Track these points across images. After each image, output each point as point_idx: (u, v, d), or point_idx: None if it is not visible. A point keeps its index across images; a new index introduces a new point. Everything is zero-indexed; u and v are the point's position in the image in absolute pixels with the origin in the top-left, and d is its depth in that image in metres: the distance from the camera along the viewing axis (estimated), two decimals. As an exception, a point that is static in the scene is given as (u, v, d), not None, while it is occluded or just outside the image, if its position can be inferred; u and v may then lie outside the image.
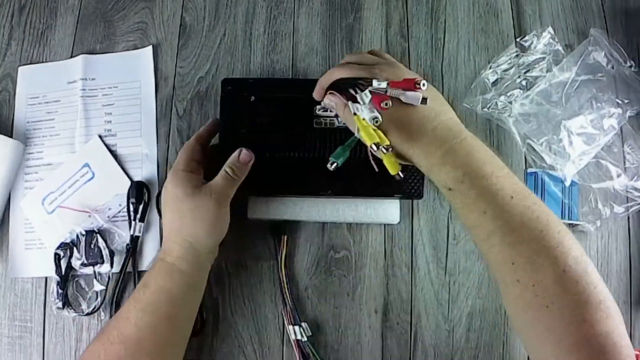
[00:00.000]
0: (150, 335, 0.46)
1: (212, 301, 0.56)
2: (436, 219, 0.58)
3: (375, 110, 0.42)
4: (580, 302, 0.36)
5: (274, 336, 0.55)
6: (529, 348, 0.41)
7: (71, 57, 0.63)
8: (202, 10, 0.64)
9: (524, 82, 0.61)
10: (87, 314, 0.56)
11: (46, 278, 0.58)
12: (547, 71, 0.61)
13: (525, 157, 0.60)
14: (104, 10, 0.64)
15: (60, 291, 0.55)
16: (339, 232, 0.57)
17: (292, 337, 0.54)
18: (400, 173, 0.42)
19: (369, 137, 0.41)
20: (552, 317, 0.36)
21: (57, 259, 0.56)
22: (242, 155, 0.51)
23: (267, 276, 0.57)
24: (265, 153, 0.53)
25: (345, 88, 0.46)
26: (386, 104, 0.42)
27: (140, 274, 0.57)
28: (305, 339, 0.54)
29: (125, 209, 0.57)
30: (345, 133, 0.52)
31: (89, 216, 0.58)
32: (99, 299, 0.56)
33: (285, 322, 0.55)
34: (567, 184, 0.58)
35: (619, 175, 0.59)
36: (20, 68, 0.63)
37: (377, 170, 0.43)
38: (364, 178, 0.52)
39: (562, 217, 0.58)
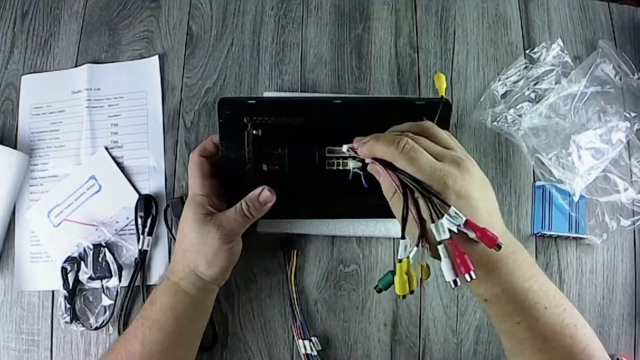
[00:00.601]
0: (157, 352, 0.46)
1: (222, 316, 0.56)
2: (445, 233, 0.58)
3: (452, 270, 0.36)
4: None
5: (284, 350, 0.55)
6: None
7: (75, 66, 0.62)
8: (209, 19, 0.63)
9: (532, 95, 0.61)
10: (95, 329, 0.55)
11: (53, 292, 0.57)
12: (556, 83, 0.61)
13: (533, 171, 0.60)
14: (108, 18, 0.63)
15: (68, 305, 0.55)
16: (349, 246, 0.57)
17: (302, 351, 0.54)
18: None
19: (400, 286, 0.37)
20: None
21: (65, 272, 0.56)
22: (262, 196, 0.48)
23: (277, 290, 0.56)
24: (271, 181, 0.49)
25: (403, 183, 0.39)
26: (470, 277, 0.36)
27: (148, 288, 0.56)
28: (315, 353, 0.54)
29: (133, 223, 0.57)
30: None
31: (96, 229, 0.57)
32: (107, 313, 0.56)
33: (295, 337, 0.55)
34: (576, 199, 0.58)
35: (626, 189, 0.60)
36: (23, 77, 0.62)
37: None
38: (373, 200, 0.45)
39: (569, 231, 0.58)
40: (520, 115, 0.60)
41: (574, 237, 0.59)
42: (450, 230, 0.37)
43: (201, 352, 0.51)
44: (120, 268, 0.56)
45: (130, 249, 0.57)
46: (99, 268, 0.55)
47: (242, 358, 0.55)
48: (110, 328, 0.56)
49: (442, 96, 0.45)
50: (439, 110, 0.45)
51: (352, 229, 0.56)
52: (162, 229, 0.58)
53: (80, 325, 0.55)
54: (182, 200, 0.56)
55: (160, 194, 0.58)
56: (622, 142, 0.59)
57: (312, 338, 0.54)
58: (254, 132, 0.47)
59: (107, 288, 0.56)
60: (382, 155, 0.40)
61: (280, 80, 0.61)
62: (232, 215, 0.48)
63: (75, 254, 0.56)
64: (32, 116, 0.61)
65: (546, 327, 0.39)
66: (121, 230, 0.58)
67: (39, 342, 0.56)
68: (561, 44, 0.62)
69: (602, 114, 0.60)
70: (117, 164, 0.59)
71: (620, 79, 0.62)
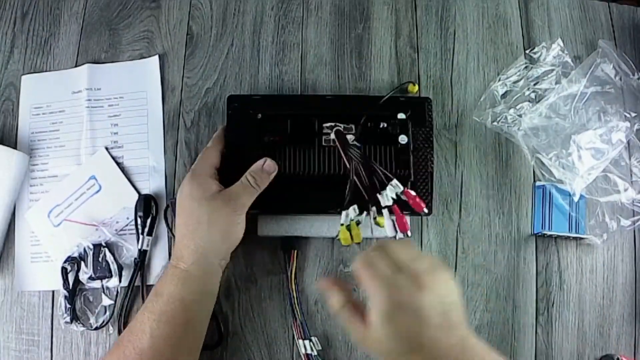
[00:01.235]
0: (166, 345, 0.46)
1: (222, 315, 0.56)
2: (445, 233, 0.58)
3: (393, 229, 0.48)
4: None
5: (284, 350, 0.55)
6: None
7: (75, 66, 0.62)
8: (209, 19, 0.63)
9: (533, 95, 0.61)
10: (96, 329, 0.55)
11: (53, 292, 0.57)
12: (556, 83, 0.61)
13: (533, 171, 0.60)
14: (108, 18, 0.63)
15: (68, 305, 0.55)
16: (349, 247, 0.57)
17: (302, 351, 0.54)
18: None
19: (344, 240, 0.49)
20: None
21: (65, 272, 0.56)
22: (266, 165, 0.51)
23: (277, 290, 0.56)
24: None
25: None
26: (406, 235, 0.49)
27: (148, 288, 0.56)
28: (316, 353, 0.54)
29: (133, 223, 0.57)
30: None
31: (96, 229, 0.57)
32: (107, 313, 0.56)
33: (295, 336, 0.55)
34: (576, 199, 0.58)
35: (626, 189, 0.60)
36: (23, 77, 0.62)
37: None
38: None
39: (569, 231, 0.59)
40: (520, 115, 0.60)
41: (574, 237, 0.59)
42: (392, 198, 0.49)
43: (204, 352, 0.51)
44: (120, 268, 0.56)
45: (130, 249, 0.57)
46: (99, 268, 0.55)
47: (242, 358, 0.55)
48: (110, 328, 0.56)
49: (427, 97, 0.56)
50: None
51: (353, 229, 0.56)
52: (162, 229, 0.58)
53: (80, 325, 0.55)
54: (182, 200, 0.57)
55: (160, 194, 0.58)
56: (622, 142, 0.59)
57: (312, 338, 0.54)
58: (259, 115, 0.54)
59: (107, 288, 0.56)
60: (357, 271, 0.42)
61: (280, 81, 0.61)
62: (240, 188, 0.49)
63: (75, 254, 0.56)
64: (32, 116, 0.61)
65: None
66: (121, 230, 0.58)
67: (39, 342, 0.56)
68: (561, 44, 0.62)
69: (602, 114, 0.60)
70: (117, 164, 0.59)
71: (620, 79, 0.62)
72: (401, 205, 0.49)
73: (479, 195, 0.59)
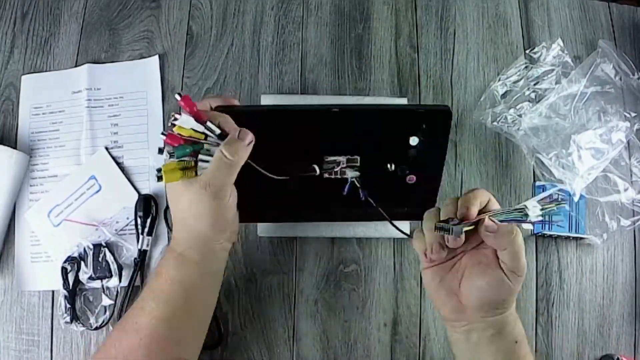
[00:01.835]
0: (164, 325, 0.44)
1: (222, 315, 0.56)
2: (445, 233, 0.58)
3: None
4: None
5: (284, 350, 0.55)
6: None
7: (75, 66, 0.62)
8: (209, 19, 0.63)
9: (532, 95, 0.61)
10: (96, 329, 0.55)
11: (53, 291, 0.57)
12: (556, 83, 0.61)
13: (533, 171, 0.60)
14: (108, 18, 0.63)
15: (68, 305, 0.55)
16: (349, 247, 0.57)
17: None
18: None
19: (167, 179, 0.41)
20: None
21: (65, 272, 0.55)
22: (242, 134, 0.42)
23: (277, 291, 0.56)
24: (267, 183, 0.44)
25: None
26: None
27: (148, 288, 0.56)
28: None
29: (133, 223, 0.57)
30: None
31: (96, 229, 0.57)
32: (107, 313, 0.56)
33: (295, 336, 0.55)
34: (576, 199, 0.58)
35: (626, 189, 0.60)
36: (23, 77, 0.62)
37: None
38: (375, 203, 0.46)
39: (569, 231, 0.58)
40: (520, 115, 0.60)
41: (574, 237, 0.59)
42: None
43: (204, 351, 0.51)
44: (120, 268, 0.56)
45: (130, 249, 0.57)
46: (99, 268, 0.55)
47: (242, 358, 0.55)
48: (110, 328, 0.56)
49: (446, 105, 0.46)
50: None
51: (353, 230, 0.56)
52: (162, 229, 0.58)
53: (80, 325, 0.55)
54: (182, 200, 0.56)
55: (160, 193, 0.58)
56: (622, 142, 0.59)
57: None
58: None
59: (107, 288, 0.56)
60: (497, 237, 0.40)
61: (280, 81, 0.61)
62: (214, 169, 0.42)
63: (75, 254, 0.56)
64: (32, 116, 0.61)
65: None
66: (121, 230, 0.58)
67: (39, 342, 0.56)
68: (561, 44, 0.62)
69: (602, 114, 0.60)
70: (117, 164, 0.59)
71: (620, 79, 0.62)
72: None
73: (479, 195, 0.59)
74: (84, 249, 0.56)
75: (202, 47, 0.62)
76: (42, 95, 0.61)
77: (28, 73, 0.62)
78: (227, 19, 0.63)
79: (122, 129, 0.60)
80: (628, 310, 0.59)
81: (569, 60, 0.62)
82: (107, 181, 0.58)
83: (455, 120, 0.61)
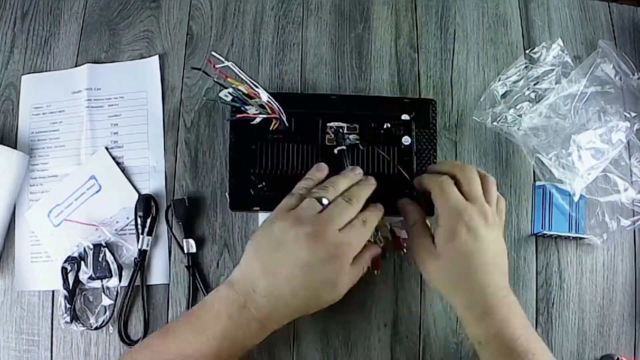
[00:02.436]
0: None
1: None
2: (445, 233, 0.58)
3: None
4: None
5: (284, 350, 0.55)
6: None
7: (75, 66, 0.62)
8: (210, 19, 0.63)
9: (532, 95, 0.61)
10: (96, 328, 0.55)
11: (53, 291, 0.57)
12: (556, 83, 0.61)
13: (533, 171, 0.60)
14: (108, 18, 0.63)
15: (68, 305, 0.55)
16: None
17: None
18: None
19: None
20: None
21: (65, 272, 0.55)
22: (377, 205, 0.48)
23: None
24: (277, 170, 0.52)
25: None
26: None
27: (149, 288, 0.56)
28: None
29: (133, 223, 0.57)
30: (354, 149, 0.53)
31: (96, 229, 0.57)
32: (107, 313, 0.55)
33: (295, 336, 0.55)
34: (576, 199, 0.58)
35: (626, 189, 0.60)
36: (23, 77, 0.62)
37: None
38: (375, 198, 0.50)
39: (569, 231, 0.59)
40: (520, 115, 0.60)
41: (574, 237, 0.59)
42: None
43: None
44: (120, 268, 0.56)
45: (130, 249, 0.57)
46: (99, 268, 0.55)
47: (242, 358, 0.55)
48: (110, 328, 0.56)
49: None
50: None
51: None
52: (162, 229, 0.58)
53: (81, 325, 0.55)
54: (184, 201, 0.57)
55: (160, 193, 0.58)
56: (622, 142, 0.59)
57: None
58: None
59: (107, 288, 0.56)
60: (425, 186, 0.48)
61: (280, 80, 0.61)
62: (356, 234, 0.44)
63: (75, 254, 0.56)
64: (32, 116, 0.61)
65: None
66: (121, 230, 0.58)
67: (39, 342, 0.56)
68: (561, 43, 0.62)
69: (602, 114, 0.60)
70: (117, 164, 0.59)
71: (620, 79, 0.62)
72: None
73: (479, 195, 0.59)
74: (84, 248, 0.56)
75: (202, 47, 0.62)
76: (42, 95, 0.61)
77: (28, 73, 0.62)
78: (227, 19, 0.63)
79: (122, 129, 0.60)
80: (628, 310, 0.59)
81: (569, 60, 0.62)
82: (107, 181, 0.58)
83: (455, 120, 0.61)
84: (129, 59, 0.62)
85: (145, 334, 0.55)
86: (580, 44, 0.65)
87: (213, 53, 0.47)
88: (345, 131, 0.53)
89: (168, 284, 0.57)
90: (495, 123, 0.60)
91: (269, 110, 0.49)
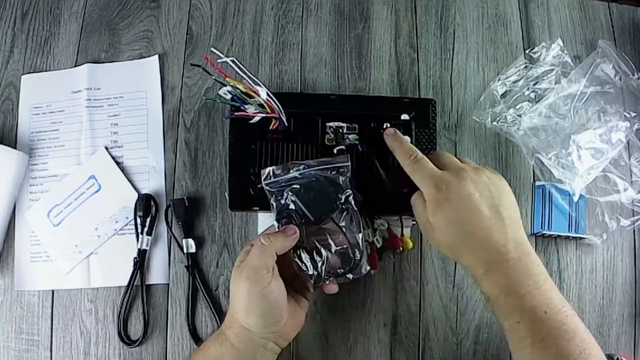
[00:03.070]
0: None
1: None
2: (445, 233, 0.58)
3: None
4: None
5: (284, 350, 0.55)
6: None
7: (75, 65, 0.62)
8: (209, 18, 0.63)
9: (532, 95, 0.61)
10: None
11: (53, 291, 0.57)
12: (555, 83, 0.61)
13: (533, 171, 0.60)
14: (108, 17, 0.63)
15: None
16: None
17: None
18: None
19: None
20: None
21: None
22: (286, 229, 0.47)
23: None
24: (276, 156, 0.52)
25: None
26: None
27: (148, 287, 0.56)
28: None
29: (133, 222, 0.57)
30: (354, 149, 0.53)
31: (96, 229, 0.57)
32: (107, 313, 0.56)
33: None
34: (576, 199, 0.58)
35: (625, 189, 0.60)
36: (23, 77, 0.62)
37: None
38: (375, 198, 0.51)
39: (569, 230, 0.58)
40: (520, 115, 0.60)
41: (573, 237, 0.59)
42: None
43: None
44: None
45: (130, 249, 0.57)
46: (98, 268, 0.55)
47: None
48: (110, 328, 0.56)
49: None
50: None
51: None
52: (162, 229, 0.58)
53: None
54: (183, 201, 0.57)
55: (160, 193, 0.58)
56: (622, 142, 0.59)
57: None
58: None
59: (107, 288, 0.56)
60: (397, 155, 0.49)
61: (280, 80, 0.61)
62: (251, 252, 0.46)
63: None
64: (32, 116, 0.61)
65: (544, 330, 0.42)
66: (121, 229, 0.58)
67: (39, 342, 0.56)
68: (561, 43, 0.62)
69: (602, 114, 0.60)
70: (117, 163, 0.59)
71: (620, 79, 0.62)
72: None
73: (478, 195, 0.59)
74: (84, 248, 0.56)
75: (202, 46, 0.62)
76: (42, 95, 0.61)
77: (28, 73, 0.62)
78: (227, 19, 0.63)
79: (122, 128, 0.60)
80: (628, 310, 0.59)
81: (569, 60, 0.62)
82: (107, 181, 0.58)
83: (455, 120, 0.61)
84: (129, 59, 0.62)
85: (144, 334, 0.55)
86: (580, 44, 0.65)
87: (212, 49, 0.46)
88: (344, 131, 0.53)
89: (168, 284, 0.57)
90: (495, 123, 0.60)
91: (269, 110, 0.49)
